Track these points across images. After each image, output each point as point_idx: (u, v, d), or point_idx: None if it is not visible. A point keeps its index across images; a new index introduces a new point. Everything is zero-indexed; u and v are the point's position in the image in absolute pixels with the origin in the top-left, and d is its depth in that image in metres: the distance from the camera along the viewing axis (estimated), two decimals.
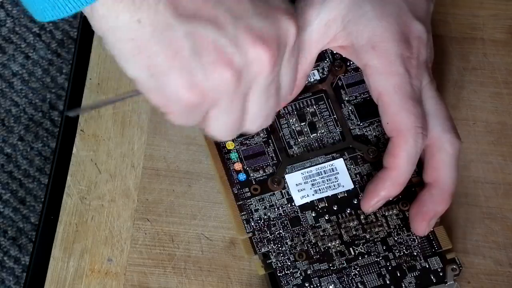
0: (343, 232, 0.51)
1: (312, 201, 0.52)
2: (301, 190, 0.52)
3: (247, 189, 0.52)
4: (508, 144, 0.56)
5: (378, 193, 0.50)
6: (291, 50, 0.44)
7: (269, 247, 0.51)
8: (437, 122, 0.50)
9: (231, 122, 0.45)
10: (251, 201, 0.52)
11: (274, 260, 0.51)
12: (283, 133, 0.53)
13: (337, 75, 0.54)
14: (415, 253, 0.51)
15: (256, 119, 0.46)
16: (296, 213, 0.52)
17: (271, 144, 0.53)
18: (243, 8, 0.41)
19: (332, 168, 0.52)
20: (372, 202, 0.50)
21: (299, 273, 0.50)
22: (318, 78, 0.54)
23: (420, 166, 0.51)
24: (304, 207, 0.52)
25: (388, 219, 0.52)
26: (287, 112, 0.54)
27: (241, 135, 0.51)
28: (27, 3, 0.39)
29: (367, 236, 0.51)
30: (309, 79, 0.54)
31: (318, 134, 0.53)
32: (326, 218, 0.52)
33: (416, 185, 0.52)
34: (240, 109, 0.44)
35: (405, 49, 0.49)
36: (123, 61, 0.41)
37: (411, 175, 0.50)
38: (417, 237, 0.51)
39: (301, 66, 0.50)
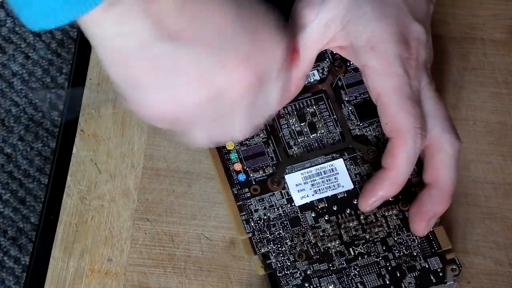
0: (343, 232, 0.51)
1: (312, 202, 0.52)
2: (301, 190, 0.52)
3: (247, 190, 0.52)
4: (508, 144, 0.56)
5: (376, 193, 0.50)
6: (277, 71, 0.44)
7: (269, 247, 0.51)
8: (436, 123, 0.50)
9: (212, 135, 0.45)
10: (251, 202, 0.52)
11: (274, 261, 0.51)
12: (283, 134, 0.53)
13: (337, 75, 0.54)
14: (415, 253, 0.51)
15: (240, 132, 0.46)
16: (296, 213, 0.52)
17: (271, 145, 0.53)
18: (228, 30, 0.41)
19: (332, 169, 0.52)
20: (369, 201, 0.50)
21: (299, 274, 0.50)
22: (318, 78, 0.54)
23: (420, 166, 0.51)
24: (304, 207, 0.52)
25: (388, 219, 0.52)
26: (287, 112, 0.54)
27: None
28: (18, 11, 0.38)
29: (367, 237, 0.51)
30: (309, 79, 0.54)
31: (318, 135, 0.54)
32: (326, 218, 0.52)
33: (416, 185, 0.52)
34: (222, 124, 0.44)
35: (404, 50, 0.49)
36: (107, 66, 0.41)
37: (409, 175, 0.50)
38: (417, 237, 0.51)
39: (300, 66, 0.51)
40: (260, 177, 0.52)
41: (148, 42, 0.39)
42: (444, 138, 0.50)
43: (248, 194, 0.52)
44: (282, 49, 0.44)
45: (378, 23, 0.49)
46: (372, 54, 0.49)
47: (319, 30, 0.50)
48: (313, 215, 0.52)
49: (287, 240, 0.51)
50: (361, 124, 0.53)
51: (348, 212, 0.52)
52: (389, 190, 0.50)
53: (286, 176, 0.52)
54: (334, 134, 0.53)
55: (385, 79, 0.49)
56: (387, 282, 0.50)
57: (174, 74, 0.40)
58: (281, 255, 0.51)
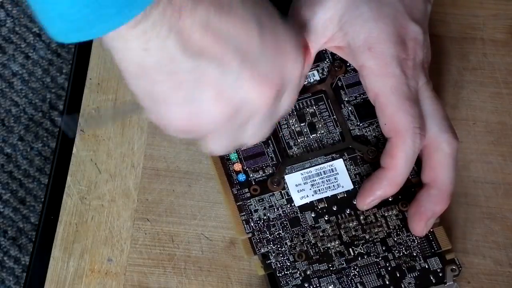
0: (342, 232, 0.51)
1: (311, 202, 0.52)
2: (301, 190, 0.52)
3: (246, 190, 0.52)
4: (508, 144, 0.56)
5: (374, 192, 0.50)
6: (294, 85, 0.44)
7: (269, 247, 0.51)
8: (434, 122, 0.50)
9: (227, 144, 0.45)
10: (250, 202, 0.52)
11: (273, 261, 0.51)
12: (282, 134, 0.53)
13: (337, 76, 0.54)
14: (415, 254, 0.51)
15: (253, 139, 0.47)
16: (295, 213, 0.52)
17: (271, 145, 0.53)
18: (251, 47, 0.41)
19: (331, 169, 0.52)
20: (367, 200, 0.50)
21: (299, 274, 0.50)
22: (318, 78, 0.54)
23: (420, 166, 0.51)
24: (304, 207, 0.52)
25: (388, 219, 0.52)
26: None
27: None
28: (48, 23, 0.38)
29: (367, 237, 0.51)
30: (309, 80, 0.54)
31: (318, 135, 0.54)
32: (326, 218, 0.52)
33: (415, 186, 0.52)
34: (236, 134, 0.45)
35: (401, 50, 0.49)
36: (127, 78, 0.41)
37: (408, 175, 0.50)
38: (417, 237, 0.51)
39: None
40: (260, 177, 0.52)
41: (173, 57, 0.39)
42: (442, 137, 0.50)
43: (248, 194, 0.52)
44: (301, 62, 0.44)
45: (375, 23, 0.49)
46: (369, 55, 0.49)
47: (317, 30, 0.50)
48: (313, 215, 0.52)
49: (287, 240, 0.51)
50: (361, 124, 0.53)
51: (348, 212, 0.52)
52: (387, 190, 0.50)
53: (286, 176, 0.52)
54: (334, 134, 0.53)
55: (383, 80, 0.49)
56: (387, 282, 0.50)
57: (197, 89, 0.41)
58: (281, 255, 0.51)
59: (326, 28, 0.50)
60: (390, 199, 0.51)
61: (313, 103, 0.54)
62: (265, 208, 0.52)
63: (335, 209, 0.52)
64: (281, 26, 0.43)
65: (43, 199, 0.57)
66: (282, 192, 0.52)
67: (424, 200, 0.50)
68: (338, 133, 0.53)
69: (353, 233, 0.51)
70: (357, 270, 0.51)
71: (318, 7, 0.50)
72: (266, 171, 0.52)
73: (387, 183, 0.50)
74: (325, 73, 0.54)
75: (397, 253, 0.51)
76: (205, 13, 0.39)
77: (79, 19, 0.36)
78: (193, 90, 0.41)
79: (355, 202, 0.52)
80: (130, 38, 0.38)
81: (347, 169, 0.53)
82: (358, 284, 0.50)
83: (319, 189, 0.52)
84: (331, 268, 0.51)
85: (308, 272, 0.50)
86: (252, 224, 0.51)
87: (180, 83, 0.40)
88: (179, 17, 0.38)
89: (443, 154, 0.50)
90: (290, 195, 0.52)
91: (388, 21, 0.49)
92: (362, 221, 0.51)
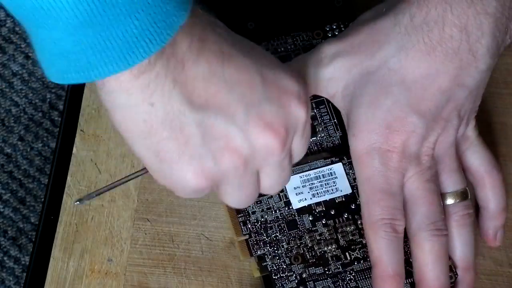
0: (339, 236, 0.52)
1: (309, 205, 0.52)
2: (299, 193, 0.52)
3: None
4: (508, 144, 0.56)
5: None
6: (301, 129, 0.44)
7: (265, 249, 0.51)
8: (414, 218, 0.50)
9: (243, 196, 0.45)
10: None
11: (269, 263, 0.51)
12: None
13: None
14: (411, 260, 0.51)
15: (271, 189, 0.46)
16: (293, 216, 0.52)
17: None
18: (255, 94, 0.41)
19: (330, 172, 0.53)
20: None
21: (294, 277, 0.50)
22: None
23: None
24: (302, 210, 0.52)
25: None
26: None
27: None
28: (47, 63, 0.38)
29: (364, 241, 0.51)
30: None
31: (318, 138, 0.54)
32: (323, 222, 0.52)
33: None
34: (252, 184, 0.44)
35: (385, 143, 0.49)
36: (131, 141, 0.41)
37: (398, 263, 0.49)
38: None
39: None
40: None
41: (177, 112, 0.39)
42: (421, 235, 0.49)
43: None
44: (305, 104, 0.44)
45: (368, 110, 0.49)
46: (353, 139, 0.50)
47: (322, 83, 0.51)
48: (310, 218, 0.52)
49: (284, 243, 0.51)
50: None
51: (345, 216, 0.52)
52: (382, 285, 0.49)
53: None
54: (334, 138, 0.54)
55: (360, 167, 0.50)
56: None
57: (205, 142, 0.40)
58: (277, 257, 0.51)
59: (330, 83, 0.50)
60: None
61: (314, 106, 0.54)
62: (262, 210, 0.52)
63: (332, 213, 0.52)
64: (283, 71, 0.43)
65: (43, 199, 0.57)
66: (280, 194, 0.52)
67: None
68: (338, 137, 0.54)
69: (350, 237, 0.51)
70: (353, 274, 0.51)
71: (331, 62, 0.50)
72: None
73: (379, 280, 0.49)
74: None
75: None
76: (207, 63, 0.39)
77: (80, 59, 0.36)
78: (201, 144, 0.40)
79: (353, 207, 0.52)
80: (133, 91, 0.38)
81: (346, 173, 0.53)
82: None
83: (317, 193, 0.52)
84: (327, 272, 0.51)
85: (304, 275, 0.50)
86: (249, 226, 0.52)
87: (188, 139, 0.40)
88: (183, 68, 0.38)
89: (421, 252, 0.49)
90: (288, 198, 0.52)
91: (381, 112, 0.49)
92: (360, 226, 0.52)
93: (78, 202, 0.50)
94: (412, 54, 0.48)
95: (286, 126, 0.42)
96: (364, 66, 0.49)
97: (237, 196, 0.44)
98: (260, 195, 0.52)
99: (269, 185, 0.45)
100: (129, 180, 0.50)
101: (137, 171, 0.48)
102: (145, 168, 0.43)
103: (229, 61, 0.40)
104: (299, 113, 0.43)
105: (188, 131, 0.40)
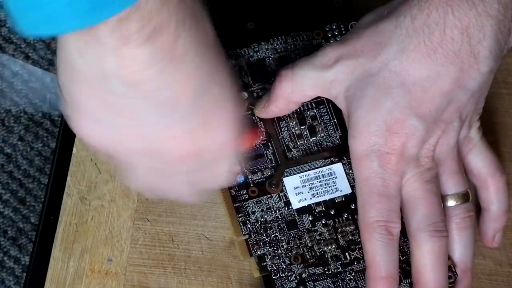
0: (339, 236, 0.52)
1: (309, 205, 0.52)
2: (299, 193, 0.52)
3: (244, 191, 0.52)
4: (508, 144, 0.56)
5: None
6: (226, 155, 0.45)
7: (265, 249, 0.51)
8: (414, 219, 0.50)
9: (147, 180, 0.45)
10: (248, 203, 0.52)
11: (269, 263, 0.51)
12: (282, 136, 0.54)
13: None
14: (410, 260, 0.51)
15: (176, 191, 0.47)
16: (293, 216, 0.52)
17: (270, 147, 0.53)
18: (184, 104, 0.40)
19: (330, 172, 0.53)
20: None
21: (294, 277, 0.50)
22: None
23: None
24: (301, 210, 0.52)
25: None
26: (287, 115, 0.54)
27: None
28: (21, 13, 0.36)
29: None
30: None
31: (318, 138, 0.54)
32: (323, 222, 0.52)
33: None
34: (156, 174, 0.45)
35: (384, 144, 0.49)
36: (61, 79, 0.41)
37: (393, 265, 0.49)
38: None
39: (292, 98, 0.52)
40: (258, 179, 0.53)
41: (107, 78, 0.38)
42: (419, 236, 0.49)
43: (246, 196, 0.52)
44: (232, 134, 0.43)
45: (368, 112, 0.49)
46: (353, 141, 0.50)
47: (325, 85, 0.51)
48: (310, 218, 0.52)
49: (283, 243, 0.51)
50: None
51: (345, 216, 0.52)
52: (374, 287, 0.49)
53: (285, 179, 0.53)
54: (333, 138, 0.54)
55: (358, 169, 0.50)
56: None
57: (118, 115, 0.40)
58: (277, 257, 0.51)
59: (332, 85, 0.50)
60: None
61: (313, 106, 0.54)
62: (262, 210, 0.52)
63: (332, 213, 0.52)
64: (226, 97, 0.42)
65: (43, 199, 0.57)
66: (280, 194, 0.52)
67: None
68: (338, 137, 0.54)
69: (350, 237, 0.51)
70: (352, 274, 0.51)
71: (334, 66, 0.50)
72: (264, 173, 0.53)
73: (373, 282, 0.49)
74: None
75: None
76: (155, 52, 0.38)
77: (51, 12, 0.35)
78: (114, 114, 0.40)
79: (353, 207, 0.52)
80: (71, 37, 0.37)
81: (346, 173, 0.53)
82: None
83: (317, 193, 0.52)
84: (327, 272, 0.51)
85: (304, 275, 0.51)
86: (249, 226, 0.52)
87: (105, 103, 0.40)
88: (127, 44, 0.37)
89: (420, 253, 0.49)
90: (288, 198, 0.52)
91: (381, 113, 0.48)
92: (359, 226, 0.52)
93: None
94: (413, 56, 0.48)
95: (204, 145, 0.42)
96: (366, 69, 0.49)
97: (140, 177, 0.45)
98: (260, 195, 0.52)
99: (175, 184, 0.46)
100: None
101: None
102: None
103: (177, 63, 0.39)
104: (224, 139, 0.43)
105: (108, 97, 0.39)
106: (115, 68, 0.38)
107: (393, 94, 0.48)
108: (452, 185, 0.51)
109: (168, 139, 0.41)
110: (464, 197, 0.51)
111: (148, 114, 0.40)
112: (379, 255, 0.49)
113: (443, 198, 0.51)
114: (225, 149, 0.44)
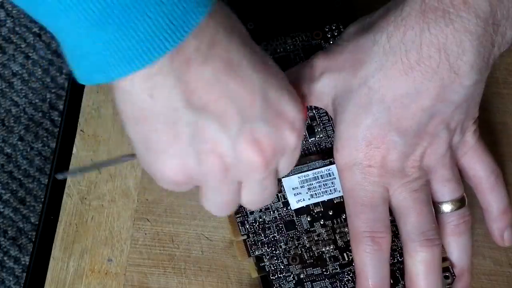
0: (337, 237, 0.52)
1: (307, 206, 0.52)
2: (297, 194, 0.52)
3: None
4: (508, 144, 0.56)
5: None
6: (289, 154, 0.44)
7: (263, 250, 0.51)
8: (404, 229, 0.50)
9: (221, 202, 0.45)
10: None
11: (267, 263, 0.51)
12: None
13: None
14: (404, 267, 0.51)
15: (250, 204, 0.46)
16: (291, 217, 0.52)
17: None
18: (253, 111, 0.41)
19: (329, 173, 0.53)
20: None
21: (292, 277, 0.51)
22: None
23: None
24: (300, 211, 0.52)
25: None
26: None
27: None
28: (75, 66, 0.39)
29: None
30: None
31: (316, 139, 0.54)
32: (321, 223, 0.52)
33: None
34: (230, 193, 0.44)
35: (366, 158, 0.49)
36: (125, 122, 0.41)
37: (384, 276, 0.49)
38: None
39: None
40: None
41: (173, 108, 0.39)
42: (410, 246, 0.50)
43: None
44: (299, 130, 0.44)
45: (349, 126, 0.49)
46: (336, 154, 0.50)
47: (313, 94, 0.51)
48: (308, 219, 0.52)
49: (282, 244, 0.51)
50: None
51: (343, 217, 0.52)
52: None
53: (283, 179, 0.53)
54: (332, 138, 0.54)
55: (343, 180, 0.50)
56: None
57: (193, 142, 0.41)
58: (275, 258, 0.51)
59: (322, 95, 0.51)
60: None
61: (312, 107, 0.54)
62: (261, 211, 0.52)
63: (331, 213, 0.52)
64: (287, 94, 0.43)
65: (43, 199, 0.57)
66: (279, 195, 0.52)
67: None
68: None
69: (348, 238, 0.51)
70: (350, 275, 0.51)
71: (320, 78, 0.50)
72: None
73: None
74: None
75: (390, 259, 0.51)
76: (214, 69, 0.39)
77: (99, 60, 0.37)
78: (189, 142, 0.41)
79: None
80: (136, 80, 0.38)
81: None
82: None
83: (315, 193, 0.52)
84: (325, 273, 0.51)
85: (302, 276, 0.51)
86: (247, 226, 0.52)
87: (178, 135, 0.40)
88: (188, 68, 0.38)
89: (412, 262, 0.50)
90: (286, 198, 0.52)
91: (361, 130, 0.48)
92: None
93: (58, 174, 0.49)
94: (390, 74, 0.47)
95: (274, 148, 0.42)
96: (347, 84, 0.49)
97: (214, 201, 0.45)
98: None
99: (247, 200, 0.46)
100: (116, 163, 0.50)
101: (126, 155, 0.48)
102: (134, 154, 0.44)
103: (236, 72, 0.40)
104: (290, 139, 0.43)
105: (180, 128, 0.40)
106: (182, 96, 0.39)
107: (373, 110, 0.48)
108: (446, 192, 0.51)
109: (245, 151, 0.42)
110: (458, 203, 0.51)
111: (221, 132, 0.40)
112: (366, 266, 0.49)
113: (437, 205, 0.51)
114: (292, 147, 0.44)
